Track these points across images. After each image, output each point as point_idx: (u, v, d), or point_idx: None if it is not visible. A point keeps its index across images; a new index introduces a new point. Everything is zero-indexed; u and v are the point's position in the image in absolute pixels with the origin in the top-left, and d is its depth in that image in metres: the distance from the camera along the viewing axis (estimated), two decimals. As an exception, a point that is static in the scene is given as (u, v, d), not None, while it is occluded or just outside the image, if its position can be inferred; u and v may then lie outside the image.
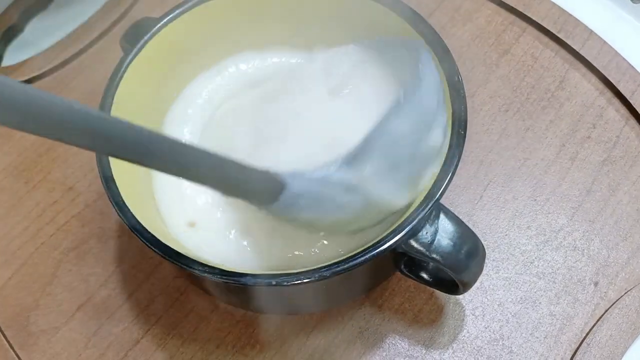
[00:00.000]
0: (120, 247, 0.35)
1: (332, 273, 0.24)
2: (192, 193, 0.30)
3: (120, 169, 0.27)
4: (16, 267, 0.35)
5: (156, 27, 0.31)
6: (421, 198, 0.26)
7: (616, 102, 0.38)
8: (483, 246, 0.27)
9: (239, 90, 0.34)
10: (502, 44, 0.40)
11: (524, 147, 0.37)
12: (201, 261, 0.25)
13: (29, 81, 0.40)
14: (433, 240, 0.26)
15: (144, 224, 0.26)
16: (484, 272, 0.28)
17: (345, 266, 0.24)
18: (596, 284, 0.33)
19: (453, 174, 0.26)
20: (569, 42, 0.39)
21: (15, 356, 0.32)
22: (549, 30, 0.40)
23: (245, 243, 0.29)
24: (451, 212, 0.27)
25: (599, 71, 0.38)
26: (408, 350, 0.31)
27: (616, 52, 0.39)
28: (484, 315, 0.32)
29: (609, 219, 0.34)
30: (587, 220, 0.35)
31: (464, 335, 0.32)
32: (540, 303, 0.32)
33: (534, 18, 0.40)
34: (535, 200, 0.35)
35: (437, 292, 0.32)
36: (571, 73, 0.39)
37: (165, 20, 0.31)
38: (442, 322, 0.32)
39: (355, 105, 0.29)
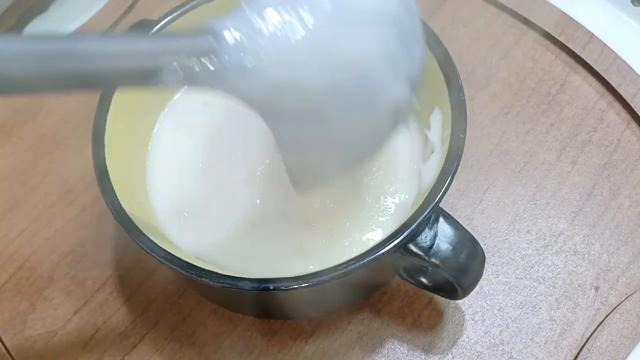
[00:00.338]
0: (117, 250, 0.34)
1: (331, 278, 0.24)
2: (185, 183, 0.31)
3: (113, 156, 0.27)
4: (13, 271, 0.34)
5: (155, 29, 0.31)
6: (420, 201, 0.26)
7: (617, 105, 0.38)
8: (483, 250, 0.27)
9: None
10: (502, 47, 0.40)
11: (524, 151, 0.37)
12: (198, 265, 0.25)
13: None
14: (432, 245, 0.26)
15: (137, 216, 0.26)
16: (483, 276, 0.28)
17: (344, 270, 0.24)
18: (597, 288, 0.33)
19: (452, 177, 0.26)
20: (569, 45, 0.39)
21: (11, 360, 0.32)
22: (549, 33, 0.40)
23: (238, 232, 0.29)
24: (451, 216, 0.27)
25: (599, 74, 0.38)
26: (407, 355, 0.31)
27: (617, 55, 0.39)
28: (483, 320, 0.32)
29: (610, 223, 0.34)
30: (588, 225, 0.34)
31: (464, 341, 0.31)
32: (540, 308, 0.32)
33: (534, 21, 0.40)
34: (536, 204, 0.35)
35: (437, 297, 0.32)
36: (572, 76, 0.39)
37: (164, 22, 0.31)
38: (442, 327, 0.32)
39: None
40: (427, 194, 0.26)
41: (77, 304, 0.33)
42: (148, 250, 0.25)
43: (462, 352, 0.31)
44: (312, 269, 0.25)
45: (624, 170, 0.36)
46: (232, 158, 0.31)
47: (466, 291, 0.28)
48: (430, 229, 0.26)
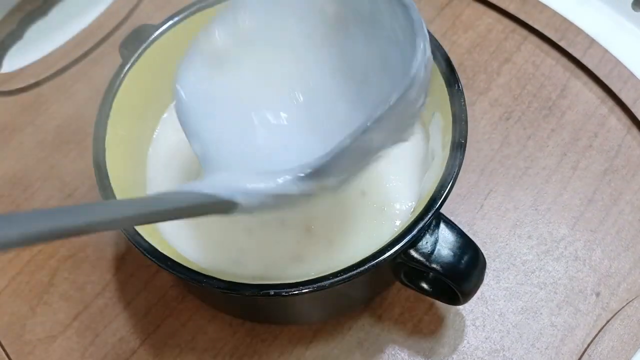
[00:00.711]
0: (117, 255, 0.34)
1: (331, 283, 0.24)
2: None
3: (113, 160, 0.27)
4: (12, 275, 0.34)
5: (155, 34, 0.31)
6: (421, 207, 0.25)
7: (618, 110, 0.38)
8: (483, 256, 0.27)
9: None
10: (503, 52, 0.40)
11: (525, 156, 0.36)
12: (198, 270, 0.25)
13: (28, 87, 0.40)
14: (433, 250, 0.26)
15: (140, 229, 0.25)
16: (484, 282, 0.28)
17: (344, 276, 0.24)
18: (598, 294, 0.33)
19: (453, 182, 0.26)
20: (570, 50, 0.39)
21: (10, 365, 0.32)
22: (550, 39, 0.40)
23: (239, 231, 0.29)
24: (451, 222, 0.27)
25: (600, 80, 0.38)
26: (408, 361, 0.31)
27: (618, 60, 0.39)
28: (484, 326, 0.32)
29: (611, 229, 0.34)
30: (589, 230, 0.34)
31: (465, 346, 0.31)
32: (541, 313, 0.32)
33: (535, 26, 0.40)
34: (537, 209, 0.35)
35: (437, 303, 0.32)
36: (572, 81, 0.39)
37: (164, 27, 0.31)
38: (442, 333, 0.32)
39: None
40: (427, 200, 0.26)
41: (77, 309, 0.33)
42: (148, 255, 0.25)
43: (463, 358, 0.31)
44: (312, 275, 0.25)
45: (625, 176, 0.36)
46: None
47: (467, 297, 0.28)
48: (431, 234, 0.26)
